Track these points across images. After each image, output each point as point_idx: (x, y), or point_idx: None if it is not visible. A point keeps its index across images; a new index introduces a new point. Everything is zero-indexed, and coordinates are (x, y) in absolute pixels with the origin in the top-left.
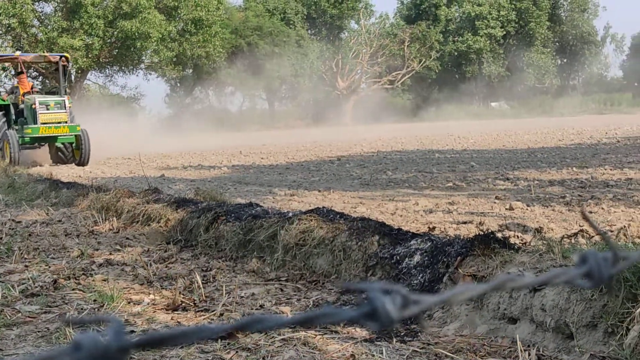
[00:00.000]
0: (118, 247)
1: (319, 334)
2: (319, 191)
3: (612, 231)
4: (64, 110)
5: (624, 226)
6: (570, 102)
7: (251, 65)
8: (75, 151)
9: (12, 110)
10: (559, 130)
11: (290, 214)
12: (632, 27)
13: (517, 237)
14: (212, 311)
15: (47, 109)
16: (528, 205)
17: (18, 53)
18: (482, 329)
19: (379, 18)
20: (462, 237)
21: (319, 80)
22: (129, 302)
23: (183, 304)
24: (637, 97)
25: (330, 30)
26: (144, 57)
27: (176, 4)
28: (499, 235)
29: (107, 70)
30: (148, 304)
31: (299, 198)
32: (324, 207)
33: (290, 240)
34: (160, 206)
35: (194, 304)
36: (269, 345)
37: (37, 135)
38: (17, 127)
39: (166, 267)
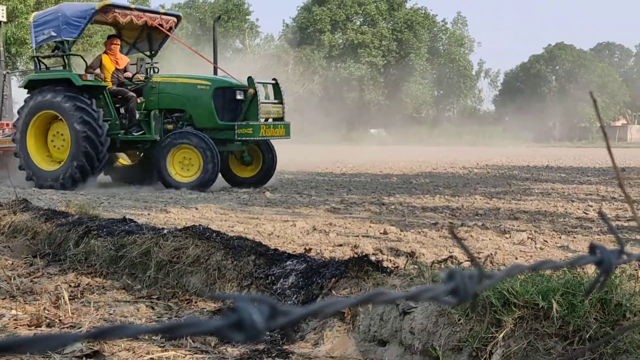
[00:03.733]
0: None
1: (189, 353)
2: (197, 209)
3: (479, 258)
4: (279, 102)
5: (491, 254)
6: (445, 133)
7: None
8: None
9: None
10: (434, 159)
11: (165, 231)
12: (506, 64)
13: (390, 260)
14: (79, 328)
15: (266, 98)
16: (401, 230)
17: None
18: (353, 350)
19: (264, 39)
20: (337, 259)
21: None
22: None
23: (47, 320)
24: (507, 131)
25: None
26: (19, 64)
27: None
28: (373, 258)
29: None
30: (9, 319)
31: (175, 215)
32: (200, 225)
33: (163, 258)
34: (29, 218)
35: (60, 320)
36: None
37: (256, 138)
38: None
39: (31, 281)
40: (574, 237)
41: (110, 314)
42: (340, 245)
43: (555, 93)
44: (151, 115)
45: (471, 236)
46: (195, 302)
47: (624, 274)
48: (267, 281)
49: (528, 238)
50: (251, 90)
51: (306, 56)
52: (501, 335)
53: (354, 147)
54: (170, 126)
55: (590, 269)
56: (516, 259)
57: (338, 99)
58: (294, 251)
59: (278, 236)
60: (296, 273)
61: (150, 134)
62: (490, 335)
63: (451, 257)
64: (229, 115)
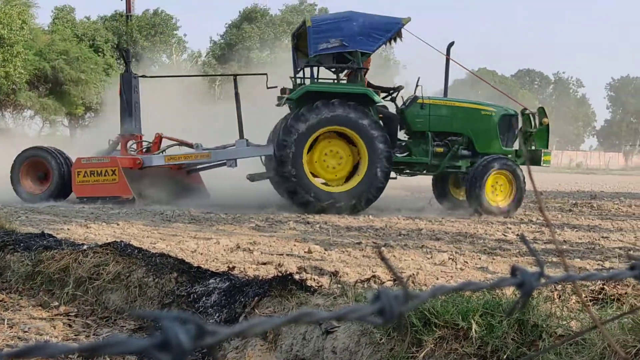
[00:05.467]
0: None
1: None
2: (118, 224)
3: (402, 278)
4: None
5: (413, 274)
6: None
7: (54, 89)
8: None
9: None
10: None
11: (85, 247)
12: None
13: (314, 279)
14: None
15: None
16: (326, 249)
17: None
18: None
19: (191, 55)
20: (260, 278)
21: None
22: None
23: None
24: None
25: (140, 62)
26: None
27: None
28: (297, 277)
29: None
30: None
31: (96, 230)
32: (121, 241)
33: (83, 274)
34: None
35: None
36: None
37: (549, 165)
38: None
39: None
40: (494, 259)
41: (25, 331)
42: (264, 263)
43: None
44: (427, 137)
45: (394, 256)
46: (115, 320)
47: (540, 296)
48: (189, 299)
49: (449, 258)
50: (545, 120)
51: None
52: (421, 355)
53: None
54: (439, 149)
55: (509, 290)
56: (437, 279)
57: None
58: (217, 269)
59: (201, 254)
60: (219, 291)
61: (421, 156)
62: (410, 355)
63: (374, 276)
64: (509, 142)
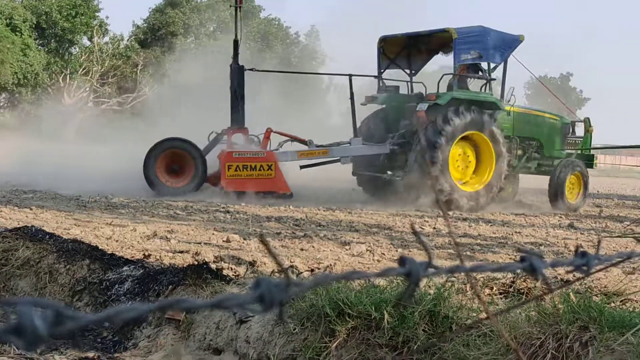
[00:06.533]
0: None
1: None
2: (31, 209)
3: (319, 269)
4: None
5: (330, 265)
6: None
7: None
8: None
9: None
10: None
11: None
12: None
13: (231, 269)
14: None
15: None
16: (245, 239)
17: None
18: (187, 359)
19: (113, 38)
20: (176, 266)
21: (43, 93)
22: None
23: None
24: None
25: (60, 44)
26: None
27: None
28: (213, 266)
29: None
30: None
31: (7, 214)
32: (32, 226)
33: None
34: None
35: None
36: None
37: (594, 168)
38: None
39: None
40: (410, 251)
41: None
42: (181, 252)
43: None
44: (513, 140)
45: (313, 247)
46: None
47: (452, 288)
48: (101, 286)
49: (367, 250)
50: (591, 129)
51: (156, 58)
52: (334, 345)
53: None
54: (519, 152)
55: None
56: (354, 270)
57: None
58: (133, 257)
59: (117, 240)
60: (132, 279)
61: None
62: (323, 344)
63: (292, 266)
64: (564, 146)
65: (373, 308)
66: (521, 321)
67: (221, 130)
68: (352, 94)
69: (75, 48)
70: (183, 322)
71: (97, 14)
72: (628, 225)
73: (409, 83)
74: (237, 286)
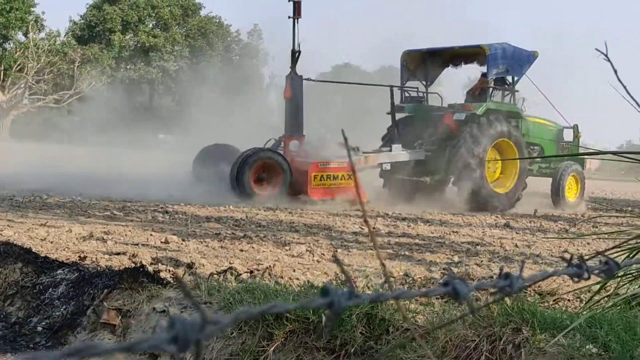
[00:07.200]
0: None
1: None
2: None
3: (259, 270)
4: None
5: (270, 266)
6: None
7: None
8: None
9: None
10: None
11: None
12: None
13: (169, 271)
14: None
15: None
16: (183, 240)
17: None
18: None
19: (49, 34)
20: (112, 269)
21: None
22: None
23: None
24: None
25: None
26: None
27: None
28: (150, 269)
29: None
30: None
31: None
32: None
33: None
34: None
35: None
36: None
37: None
38: None
39: None
40: (349, 251)
41: None
42: (118, 253)
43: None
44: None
45: (252, 247)
46: None
47: (390, 290)
48: (34, 290)
49: (307, 250)
50: (579, 134)
51: (94, 55)
52: (272, 349)
53: (143, 151)
54: None
55: (362, 283)
56: (294, 271)
57: (126, 101)
58: (68, 259)
59: (51, 242)
60: (67, 282)
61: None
62: (261, 348)
63: (231, 268)
64: (559, 151)
65: (311, 311)
66: (456, 324)
67: (278, 137)
68: (392, 104)
69: (9, 44)
70: (119, 327)
71: (32, 9)
72: (562, 224)
73: (424, 93)
74: (175, 290)
